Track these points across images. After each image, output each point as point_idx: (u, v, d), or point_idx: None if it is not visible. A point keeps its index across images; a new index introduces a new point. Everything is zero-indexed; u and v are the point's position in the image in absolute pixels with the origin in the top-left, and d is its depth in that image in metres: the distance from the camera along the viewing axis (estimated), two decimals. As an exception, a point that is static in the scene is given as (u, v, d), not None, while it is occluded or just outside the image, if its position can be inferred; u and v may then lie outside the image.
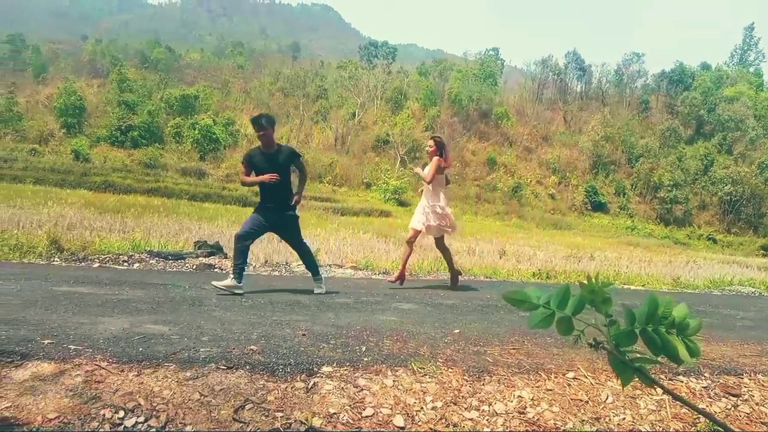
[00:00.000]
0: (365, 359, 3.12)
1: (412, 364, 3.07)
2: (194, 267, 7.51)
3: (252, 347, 3.15)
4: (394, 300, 5.49)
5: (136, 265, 7.25)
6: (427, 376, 2.96)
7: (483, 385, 2.96)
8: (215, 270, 7.43)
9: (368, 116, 60.69)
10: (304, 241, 5.77)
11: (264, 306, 4.61)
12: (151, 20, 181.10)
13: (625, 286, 9.99)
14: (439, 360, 3.21)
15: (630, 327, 1.03)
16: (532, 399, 2.88)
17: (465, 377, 3.01)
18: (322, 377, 2.82)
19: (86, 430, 2.15)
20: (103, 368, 2.62)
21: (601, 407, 2.91)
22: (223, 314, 4.10)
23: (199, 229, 14.18)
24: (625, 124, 64.39)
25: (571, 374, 3.21)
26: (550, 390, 3.00)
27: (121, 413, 2.27)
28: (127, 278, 5.68)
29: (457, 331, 4.08)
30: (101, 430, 2.16)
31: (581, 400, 2.95)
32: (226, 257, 8.65)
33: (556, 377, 3.16)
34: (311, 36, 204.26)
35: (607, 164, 59.51)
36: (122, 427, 2.20)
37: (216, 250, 8.84)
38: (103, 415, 2.24)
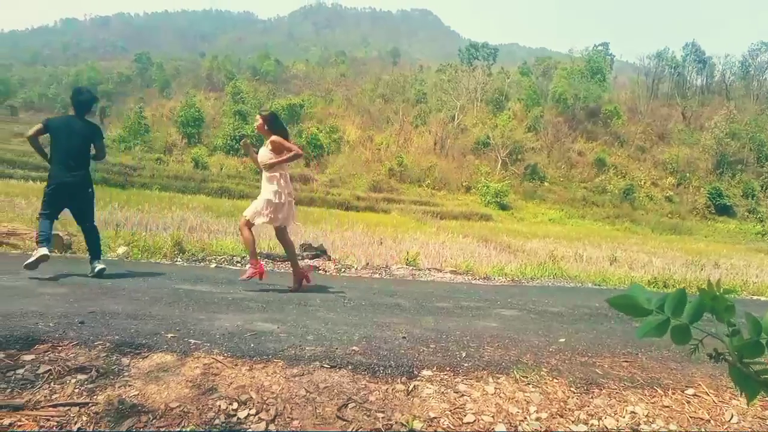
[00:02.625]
0: (465, 365, 3.07)
1: (515, 372, 2.98)
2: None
3: (354, 348, 3.22)
4: (495, 306, 5.37)
5: (248, 266, 7.68)
6: (531, 386, 2.86)
7: (591, 398, 2.81)
8: (320, 271, 7.69)
9: (468, 119, 60.04)
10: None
11: (365, 308, 4.70)
12: (261, 35, 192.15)
13: (755, 297, 9.05)
14: (544, 369, 3.08)
15: (756, 337, 0.92)
16: (646, 416, 2.68)
17: (572, 389, 2.87)
18: (422, 381, 2.82)
19: (203, 419, 2.30)
20: (219, 362, 2.81)
21: (724, 427, 2.66)
22: (327, 314, 4.24)
23: (304, 232, 14.78)
24: (753, 119, 58.15)
25: (690, 390, 2.95)
26: (667, 407, 2.78)
27: (235, 405, 2.42)
28: (240, 278, 6.03)
29: (563, 340, 3.90)
30: (217, 420, 2.31)
31: (702, 419, 2.70)
32: (330, 259, 8.93)
33: (673, 393, 2.92)
34: (411, 41, 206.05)
35: (733, 163, 54.09)
36: (236, 418, 2.34)
37: (321, 252, 9.15)
38: (219, 406, 2.40)
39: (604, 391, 2.88)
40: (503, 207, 41.66)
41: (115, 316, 3.54)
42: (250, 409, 2.40)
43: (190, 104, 54.32)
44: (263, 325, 3.67)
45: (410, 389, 2.72)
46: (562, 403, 2.73)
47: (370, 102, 66.69)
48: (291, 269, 5.69)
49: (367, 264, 9.17)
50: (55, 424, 2.18)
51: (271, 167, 5.21)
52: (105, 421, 2.22)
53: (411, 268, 8.93)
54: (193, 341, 3.09)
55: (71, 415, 2.24)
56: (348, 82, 76.48)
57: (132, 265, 6.72)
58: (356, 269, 8.35)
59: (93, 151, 5.47)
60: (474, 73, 65.32)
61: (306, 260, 8.48)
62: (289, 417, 2.38)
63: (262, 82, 72.23)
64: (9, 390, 2.39)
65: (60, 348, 2.80)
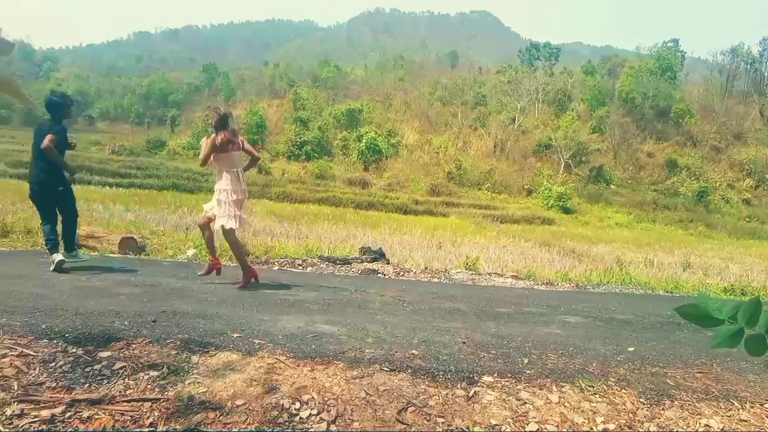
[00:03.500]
0: (528, 372, 3.00)
1: (580, 381, 2.89)
2: (360, 271, 7.89)
3: (413, 352, 3.21)
4: (558, 312, 5.21)
5: (309, 269, 7.83)
6: (597, 396, 2.76)
7: (663, 409, 2.68)
8: (378, 274, 7.74)
9: (529, 120, 58.81)
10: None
11: (425, 312, 4.68)
12: (321, 42, 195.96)
13: None
14: (611, 379, 2.97)
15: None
16: (721, 429, 2.53)
17: (641, 400, 2.74)
18: (482, 387, 2.77)
19: (267, 417, 2.36)
20: (281, 362, 2.87)
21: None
22: (386, 318, 4.25)
23: (363, 235, 14.93)
24: (844, 115, 53.82)
25: (772, 406, 2.76)
26: (744, 421, 2.61)
27: (297, 404, 2.46)
28: (301, 280, 6.16)
29: (632, 349, 3.74)
30: (280, 419, 2.36)
31: (789, 439, 2.52)
32: (388, 263, 8.96)
33: (752, 407, 2.74)
34: (469, 43, 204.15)
35: (818, 164, 50.23)
36: (298, 417, 2.38)
37: (379, 255, 9.21)
38: (282, 405, 2.45)
39: (676, 402, 2.74)
40: (566, 210, 40.44)
41: (185, 316, 3.70)
42: (311, 409, 2.44)
43: (253, 112, 56.15)
44: (324, 327, 3.72)
45: (470, 395, 2.68)
46: (631, 415, 2.61)
47: (428, 105, 66.53)
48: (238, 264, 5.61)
49: (426, 268, 9.14)
50: (129, 418, 2.29)
51: (212, 164, 5.31)
52: (175, 417, 2.31)
53: (471, 272, 8.83)
54: (257, 341, 3.18)
55: (144, 410, 2.35)
56: (406, 86, 76.63)
57: (199, 267, 6.99)
58: (415, 273, 8.34)
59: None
60: (535, 74, 63.88)
61: (365, 263, 8.56)
62: (349, 419, 2.40)
63: (322, 88, 73.57)
64: (87, 384, 2.54)
65: (134, 345, 2.95)
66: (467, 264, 9.58)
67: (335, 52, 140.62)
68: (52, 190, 5.67)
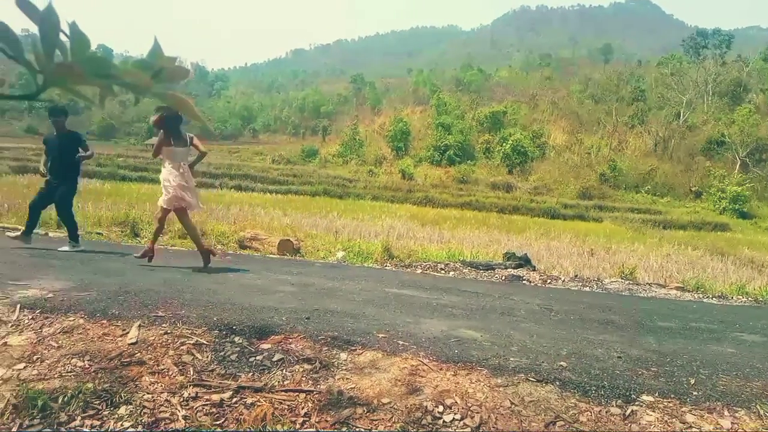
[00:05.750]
0: (695, 393, 2.70)
1: (758, 407, 2.53)
2: (503, 278, 7.72)
3: (562, 363, 3.06)
4: (733, 329, 4.62)
5: (451, 273, 7.84)
6: (783, 427, 2.39)
7: None
8: (523, 281, 7.49)
9: (696, 115, 53.03)
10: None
11: (574, 322, 4.43)
12: (464, 46, 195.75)
13: None
14: (802, 409, 2.56)
15: None
16: None
17: (843, 438, 2.32)
18: (641, 406, 2.55)
19: (411, 418, 2.40)
20: (425, 364, 2.90)
21: None
22: (532, 326, 4.10)
23: (507, 240, 14.58)
24: None
25: None
26: None
27: (440, 408, 2.47)
28: (444, 285, 6.19)
29: (830, 376, 3.19)
30: (423, 420, 2.38)
31: None
32: (534, 269, 8.65)
33: None
34: (625, 35, 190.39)
35: None
36: (441, 421, 2.39)
37: (524, 261, 8.92)
38: (426, 407, 2.47)
39: None
40: (743, 215, 35.70)
41: (335, 315, 3.90)
42: (454, 414, 2.43)
43: (398, 119, 57.81)
44: (467, 332, 3.69)
45: (627, 413, 2.48)
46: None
47: (578, 104, 63.20)
48: (197, 249, 6.11)
49: (576, 276, 8.66)
50: (287, 407, 2.47)
51: (162, 158, 5.87)
52: (327, 409, 2.44)
53: (627, 282, 8.19)
54: (401, 342, 3.25)
55: (299, 400, 2.52)
56: (554, 84, 73.57)
57: (347, 268, 7.34)
58: (563, 281, 7.94)
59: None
60: (703, 64, 57.50)
61: (509, 269, 8.34)
62: (494, 427, 2.35)
63: (465, 92, 73.41)
64: (251, 373, 2.79)
65: (291, 340, 3.18)
66: (623, 273, 8.90)
67: (479, 55, 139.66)
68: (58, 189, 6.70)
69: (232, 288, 4.75)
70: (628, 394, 2.66)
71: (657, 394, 2.67)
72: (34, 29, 0.63)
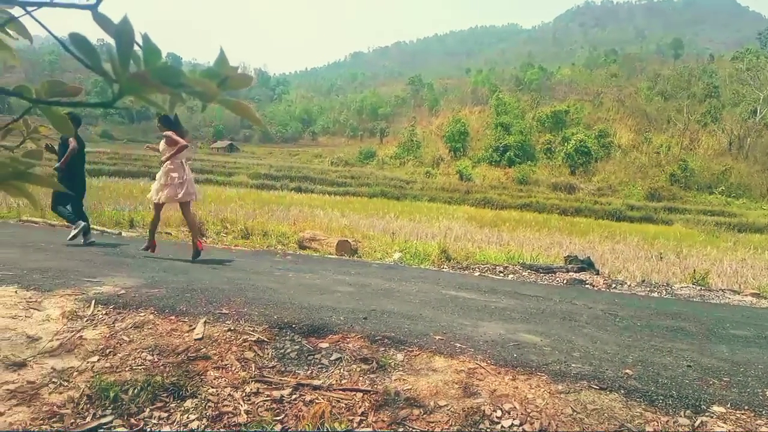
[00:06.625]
0: (773, 408, 2.53)
1: None
2: (565, 281, 7.50)
3: (627, 371, 2.94)
4: (818, 340, 4.29)
5: (510, 276, 7.70)
6: None
7: None
8: (586, 285, 7.26)
9: (776, 111, 49.73)
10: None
11: (641, 329, 4.25)
12: (525, 44, 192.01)
13: None
14: None
15: None
16: None
17: None
18: (712, 417, 2.42)
19: (468, 421, 2.37)
20: (482, 368, 2.87)
21: None
22: (595, 332, 3.97)
23: (569, 243, 14.18)
24: None
25: None
26: None
27: (499, 413, 2.43)
28: (502, 288, 6.09)
29: None
30: (481, 424, 2.35)
31: None
32: (597, 273, 8.37)
33: None
34: (696, 29, 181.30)
35: None
36: (499, 426, 2.35)
37: (587, 265, 8.64)
38: (483, 411, 2.44)
39: None
40: (829, 217, 33.17)
41: (392, 315, 3.92)
42: (513, 420, 2.39)
43: (455, 120, 57.37)
44: (526, 336, 3.62)
45: (696, 424, 2.36)
46: None
47: (646, 101, 60.69)
48: (191, 241, 6.50)
49: (643, 281, 8.31)
50: (344, 406, 2.50)
51: (167, 157, 6.23)
52: (383, 409, 2.46)
53: (699, 287, 7.77)
54: (458, 345, 3.23)
55: (356, 399, 2.55)
56: (620, 82, 70.94)
57: (404, 269, 7.36)
58: (629, 286, 7.63)
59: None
60: (784, 57, 53.85)
61: (571, 273, 8.11)
62: (553, 435, 2.29)
63: (525, 91, 71.99)
64: (309, 371, 2.84)
65: (348, 339, 3.22)
66: (694, 278, 8.46)
67: (540, 53, 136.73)
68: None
69: (291, 287, 4.85)
70: (697, 404, 2.53)
71: (729, 405, 2.52)
72: (109, 40, 0.67)
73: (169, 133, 6.31)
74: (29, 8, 0.82)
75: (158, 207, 6.39)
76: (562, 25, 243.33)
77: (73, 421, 2.33)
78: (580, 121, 55.51)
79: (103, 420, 2.34)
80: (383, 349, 3.10)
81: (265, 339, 3.16)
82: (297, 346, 3.11)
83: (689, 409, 2.49)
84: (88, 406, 2.44)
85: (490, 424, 2.35)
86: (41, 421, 2.29)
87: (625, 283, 7.80)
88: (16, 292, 3.84)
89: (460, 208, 27.47)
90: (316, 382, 2.71)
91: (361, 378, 2.76)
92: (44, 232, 7.77)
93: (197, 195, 6.71)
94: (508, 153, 50.35)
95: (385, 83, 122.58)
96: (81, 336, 3.13)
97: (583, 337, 3.73)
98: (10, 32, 0.87)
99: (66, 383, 2.60)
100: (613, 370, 2.94)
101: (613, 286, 7.45)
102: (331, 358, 2.97)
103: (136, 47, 0.66)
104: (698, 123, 52.21)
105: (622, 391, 2.63)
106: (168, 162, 6.21)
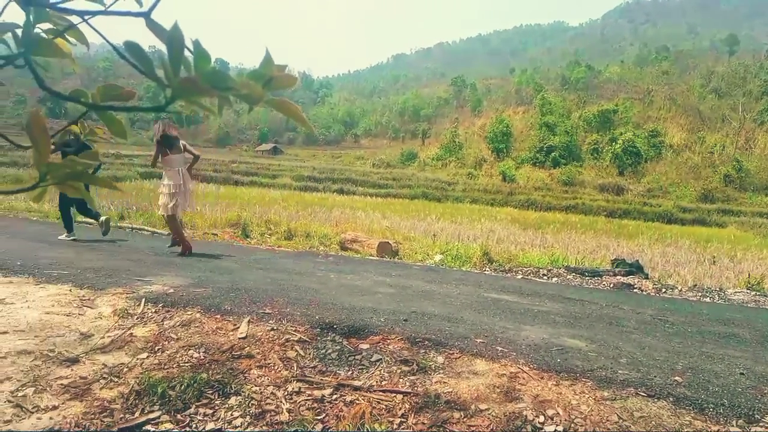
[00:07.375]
0: (837, 422, 2.39)
1: None
2: (611, 285, 7.30)
3: (676, 378, 2.84)
4: None
5: (554, 279, 7.55)
6: None
7: None
8: (634, 290, 7.04)
9: (843, 108, 47.07)
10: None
11: (691, 335, 4.09)
12: (571, 42, 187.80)
13: None
14: None
15: None
16: None
17: None
18: (765, 428, 2.31)
19: (509, 426, 2.34)
20: (524, 372, 2.82)
21: None
22: (643, 338, 3.84)
23: (617, 246, 13.79)
24: None
25: None
26: None
27: (542, 418, 2.39)
28: (545, 291, 5.97)
29: None
30: (523, 430, 2.32)
31: None
32: (647, 277, 8.10)
33: None
34: (753, 23, 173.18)
35: None
36: (542, 431, 2.31)
37: (635, 269, 8.38)
38: (525, 416, 2.40)
39: None
40: None
41: (432, 317, 3.90)
42: (557, 426, 2.34)
43: (499, 120, 56.67)
44: (570, 341, 3.54)
45: (752, 438, 2.25)
46: None
47: (699, 99, 58.42)
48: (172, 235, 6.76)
49: (695, 285, 7.99)
50: (384, 407, 2.51)
51: (162, 166, 6.47)
52: (423, 411, 2.45)
53: (754, 293, 7.42)
54: (500, 348, 3.19)
55: (396, 401, 2.55)
56: (671, 79, 68.52)
57: (445, 272, 7.31)
58: (680, 290, 7.36)
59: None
60: None
61: (618, 277, 7.88)
62: (599, 443, 2.23)
63: (571, 90, 70.43)
64: (350, 372, 2.86)
65: (389, 341, 3.23)
66: (749, 283, 8.08)
67: (587, 51, 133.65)
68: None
69: (333, 288, 4.90)
70: (751, 413, 2.42)
71: (789, 419, 2.40)
72: (161, 46, 0.69)
73: (155, 149, 6.51)
74: (86, 16, 0.85)
75: (171, 218, 6.54)
76: (610, 21, 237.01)
77: (122, 415, 2.42)
78: (629, 121, 53.88)
79: (151, 415, 2.43)
80: (423, 351, 3.10)
81: (307, 339, 3.20)
82: (338, 347, 3.14)
83: (741, 419, 2.38)
84: (137, 401, 2.53)
85: (532, 430, 2.31)
86: (92, 416, 2.39)
87: (676, 287, 7.53)
88: (70, 290, 4.02)
89: (503, 210, 27.09)
90: (356, 383, 2.72)
91: (401, 380, 2.76)
92: (96, 231, 8.07)
93: (193, 206, 7.38)
94: (552, 154, 49.37)
95: (428, 84, 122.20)
96: (131, 333, 3.25)
97: (630, 343, 3.62)
98: (70, 39, 0.91)
99: (116, 379, 2.71)
100: (661, 377, 2.85)
101: (663, 290, 7.20)
102: (371, 359, 2.99)
103: (187, 53, 0.69)
104: (754, 121, 49.90)
105: (671, 399, 2.55)
106: (165, 171, 6.49)
